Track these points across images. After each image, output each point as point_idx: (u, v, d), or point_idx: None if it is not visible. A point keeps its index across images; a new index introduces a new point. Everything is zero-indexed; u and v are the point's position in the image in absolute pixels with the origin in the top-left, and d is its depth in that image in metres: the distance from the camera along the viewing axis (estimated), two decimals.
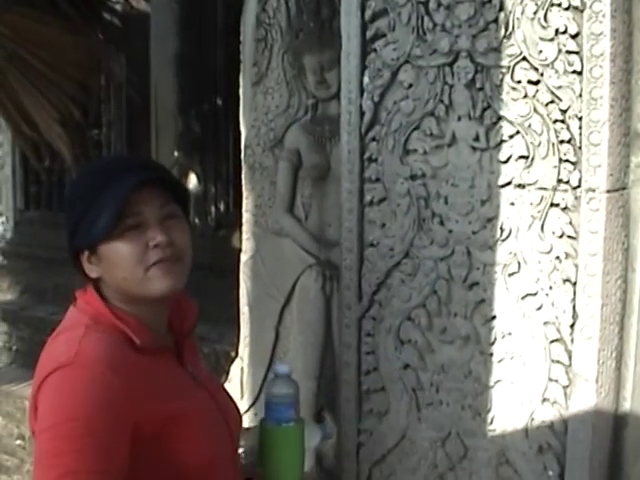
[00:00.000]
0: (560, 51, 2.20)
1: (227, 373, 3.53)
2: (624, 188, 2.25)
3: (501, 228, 2.33)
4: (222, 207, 5.93)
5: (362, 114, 2.51)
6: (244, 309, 3.25)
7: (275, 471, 2.09)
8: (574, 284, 2.24)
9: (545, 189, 2.25)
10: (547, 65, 2.22)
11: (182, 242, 1.90)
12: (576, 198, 2.22)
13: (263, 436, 2.11)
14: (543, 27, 2.22)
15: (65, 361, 1.76)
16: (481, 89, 2.33)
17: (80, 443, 1.71)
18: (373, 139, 2.51)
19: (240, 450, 2.11)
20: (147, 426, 1.76)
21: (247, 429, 2.24)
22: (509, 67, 2.28)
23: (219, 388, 2.08)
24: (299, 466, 2.13)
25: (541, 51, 2.22)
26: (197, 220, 5.88)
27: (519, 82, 2.27)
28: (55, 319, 1.97)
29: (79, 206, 1.87)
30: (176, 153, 5.83)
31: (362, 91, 2.51)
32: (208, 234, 5.84)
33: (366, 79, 2.50)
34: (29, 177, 7.12)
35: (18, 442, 5.95)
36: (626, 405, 2.34)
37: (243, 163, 3.21)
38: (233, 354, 3.52)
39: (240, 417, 2.09)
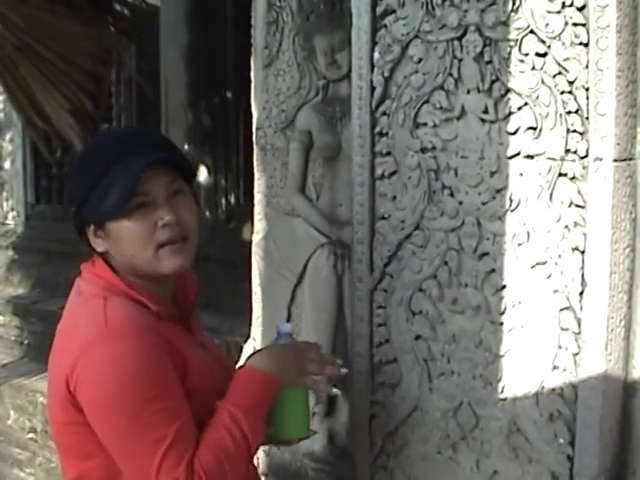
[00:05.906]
0: (567, 23, 2.23)
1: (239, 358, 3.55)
2: (631, 159, 2.28)
3: (510, 198, 2.35)
4: (232, 199, 5.95)
5: (373, 89, 2.54)
6: (256, 289, 3.28)
7: (284, 430, 2.14)
8: (583, 252, 2.27)
9: (553, 159, 2.28)
10: (554, 37, 2.25)
11: (189, 220, 1.95)
12: (584, 167, 2.25)
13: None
14: (550, 0, 2.25)
15: (97, 332, 1.79)
16: (489, 62, 2.35)
17: (156, 402, 1.77)
18: (384, 113, 2.53)
19: None
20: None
21: None
22: (517, 40, 2.30)
23: (224, 359, 2.16)
24: (308, 423, 2.20)
25: (548, 24, 2.25)
26: (208, 212, 5.91)
27: (527, 55, 2.30)
28: None
29: (88, 179, 1.88)
30: (186, 146, 5.85)
31: (372, 67, 2.53)
32: (219, 226, 5.86)
33: (376, 55, 2.52)
34: (40, 171, 7.17)
35: (30, 435, 5.98)
36: (635, 373, 2.37)
37: (255, 145, 3.23)
38: (244, 346, 3.54)
39: None
